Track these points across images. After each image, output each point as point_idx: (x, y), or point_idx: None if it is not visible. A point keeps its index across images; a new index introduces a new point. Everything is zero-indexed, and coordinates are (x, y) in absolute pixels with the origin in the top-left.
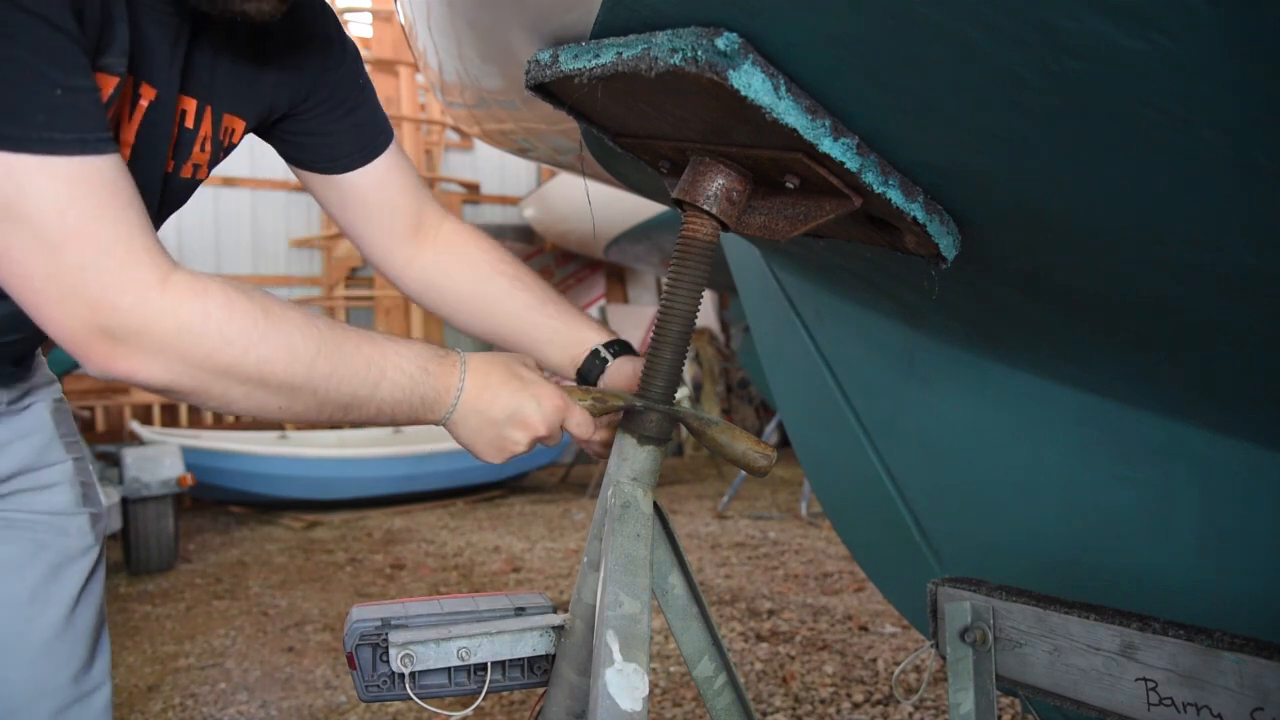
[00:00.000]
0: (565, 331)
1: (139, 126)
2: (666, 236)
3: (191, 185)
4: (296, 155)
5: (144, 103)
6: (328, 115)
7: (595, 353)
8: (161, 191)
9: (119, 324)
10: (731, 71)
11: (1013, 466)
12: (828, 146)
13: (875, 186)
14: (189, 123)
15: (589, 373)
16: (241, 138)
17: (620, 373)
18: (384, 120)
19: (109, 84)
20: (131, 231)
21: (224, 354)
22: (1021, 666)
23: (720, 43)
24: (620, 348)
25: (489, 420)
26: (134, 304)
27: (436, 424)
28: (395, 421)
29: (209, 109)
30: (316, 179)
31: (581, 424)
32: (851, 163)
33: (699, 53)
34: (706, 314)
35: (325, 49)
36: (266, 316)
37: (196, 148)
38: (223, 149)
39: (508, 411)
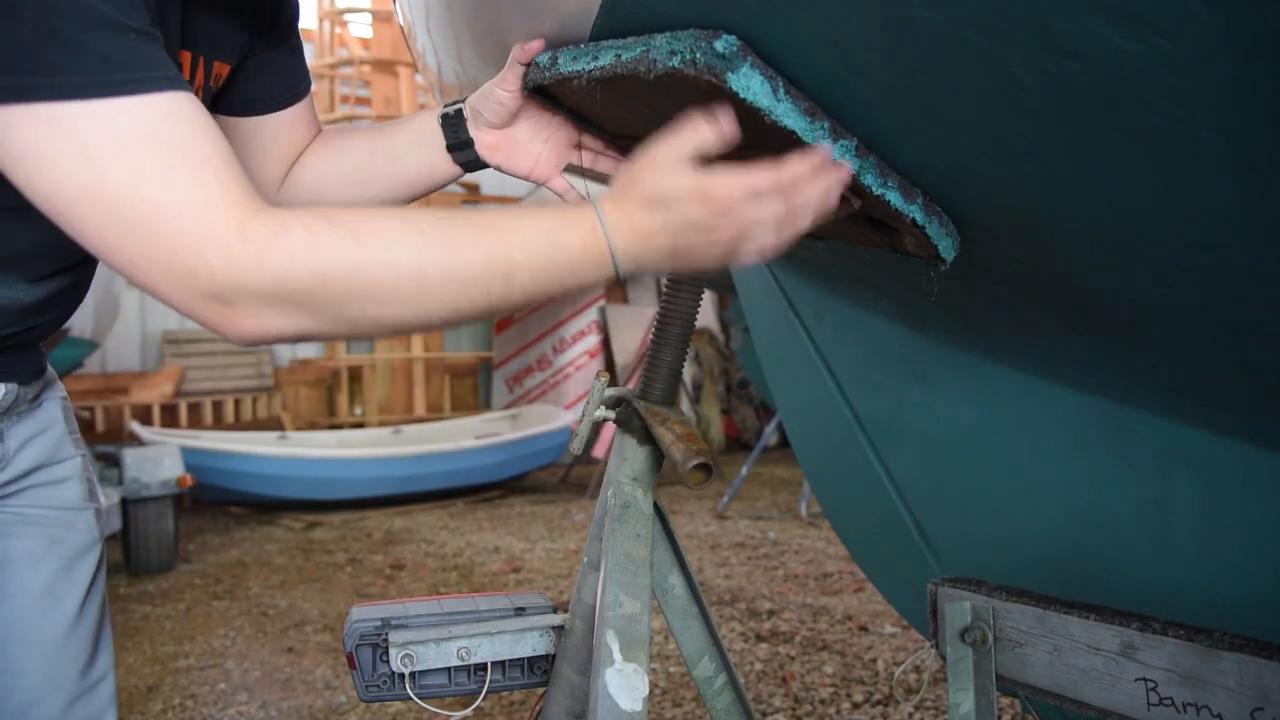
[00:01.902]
0: (407, 129)
1: None
2: None
3: None
4: (230, 95)
5: None
6: (273, 53)
7: (444, 120)
8: None
9: (219, 286)
10: (730, 74)
11: (1013, 466)
12: (827, 149)
13: (874, 188)
14: (185, 75)
15: (459, 140)
16: (224, 81)
17: (487, 107)
18: (307, 67)
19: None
20: (201, 181)
21: (326, 290)
22: (1021, 666)
23: (719, 45)
24: (454, 105)
25: (668, 249)
26: (223, 263)
27: (618, 281)
28: (556, 300)
29: (201, 60)
30: (229, 121)
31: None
32: (851, 165)
33: (698, 55)
34: (706, 314)
35: None
36: (356, 239)
37: None
38: (210, 95)
39: (681, 225)
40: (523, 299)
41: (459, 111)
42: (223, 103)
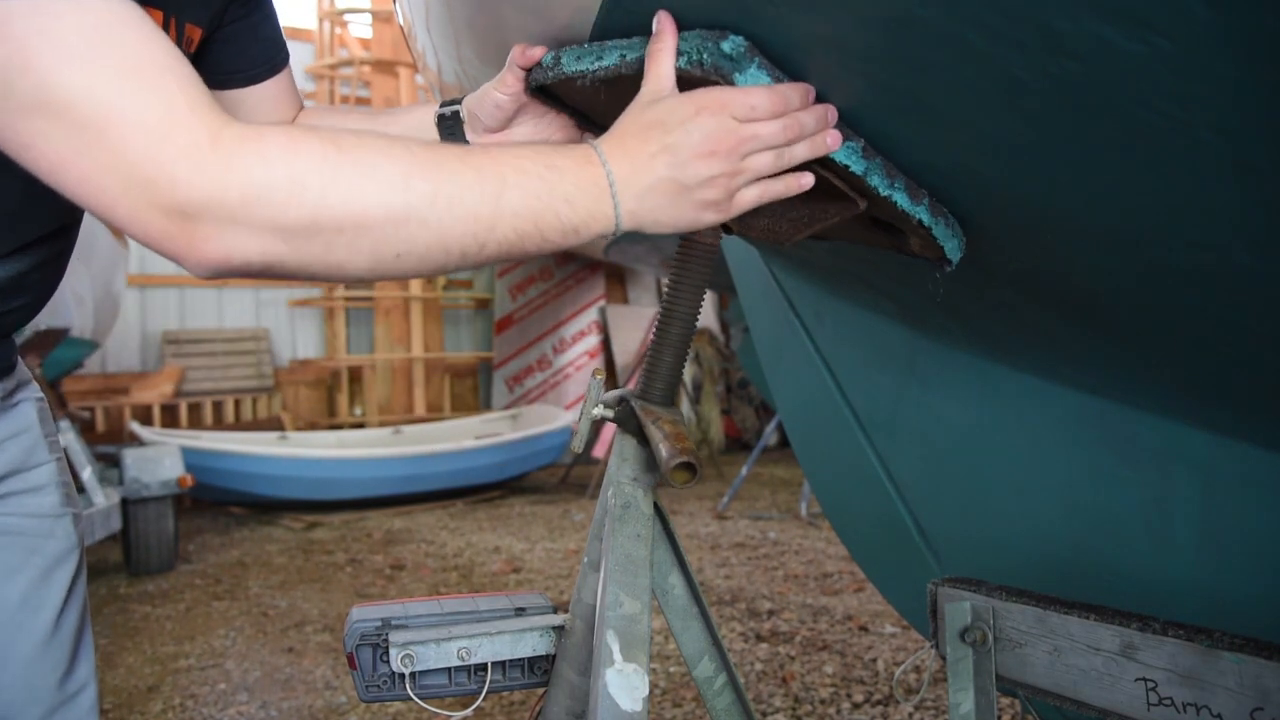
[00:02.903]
0: (402, 122)
1: None
2: (667, 237)
3: None
4: (208, 66)
5: None
6: (247, 21)
7: (441, 120)
8: None
9: (183, 198)
10: (738, 74)
11: (1013, 466)
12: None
13: (881, 189)
14: None
15: (454, 142)
16: (197, 47)
17: (484, 110)
18: (284, 39)
19: None
20: (162, 87)
21: (301, 200)
22: (1021, 666)
23: (726, 45)
24: (451, 105)
25: (664, 182)
26: (190, 171)
27: (612, 230)
28: (549, 242)
29: (173, 20)
30: (216, 94)
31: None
32: (857, 166)
33: (704, 55)
34: (706, 314)
35: None
36: (338, 148)
37: None
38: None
39: (675, 150)
40: (513, 230)
41: (455, 113)
42: (212, 69)
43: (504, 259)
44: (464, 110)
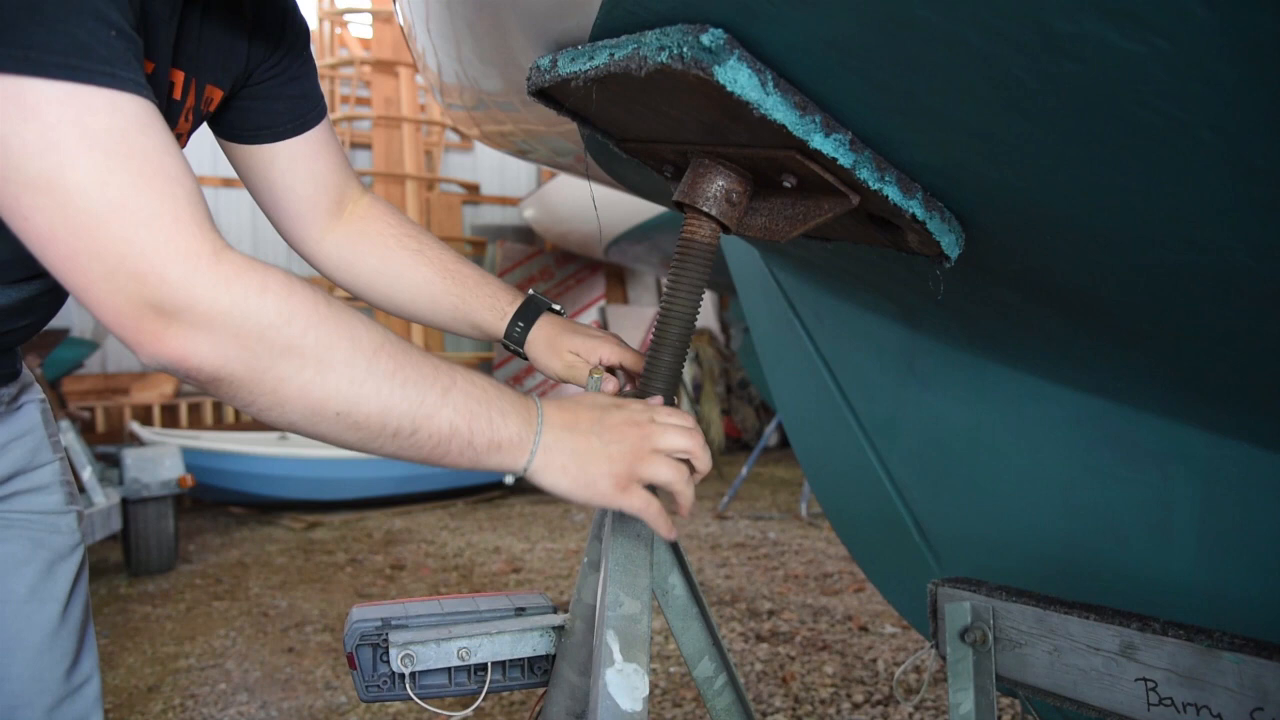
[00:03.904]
0: (469, 300)
1: None
2: (666, 237)
3: None
4: (236, 122)
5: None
6: (275, 80)
7: (513, 323)
8: None
9: (168, 297)
10: (717, 67)
11: (1012, 467)
12: (819, 142)
13: (871, 183)
14: (176, 94)
15: (513, 344)
16: (217, 106)
17: (540, 336)
18: (321, 95)
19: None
20: (173, 195)
21: (282, 332)
22: (1021, 666)
23: (705, 39)
24: (530, 309)
25: (583, 436)
26: (184, 275)
27: (521, 470)
28: (472, 448)
29: (194, 81)
30: (245, 150)
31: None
32: (845, 159)
33: (685, 49)
34: (706, 314)
35: (283, 16)
36: (328, 303)
37: (181, 118)
38: (201, 118)
39: (601, 417)
40: (448, 423)
41: (519, 350)
42: (237, 125)
43: (422, 454)
44: (528, 352)
